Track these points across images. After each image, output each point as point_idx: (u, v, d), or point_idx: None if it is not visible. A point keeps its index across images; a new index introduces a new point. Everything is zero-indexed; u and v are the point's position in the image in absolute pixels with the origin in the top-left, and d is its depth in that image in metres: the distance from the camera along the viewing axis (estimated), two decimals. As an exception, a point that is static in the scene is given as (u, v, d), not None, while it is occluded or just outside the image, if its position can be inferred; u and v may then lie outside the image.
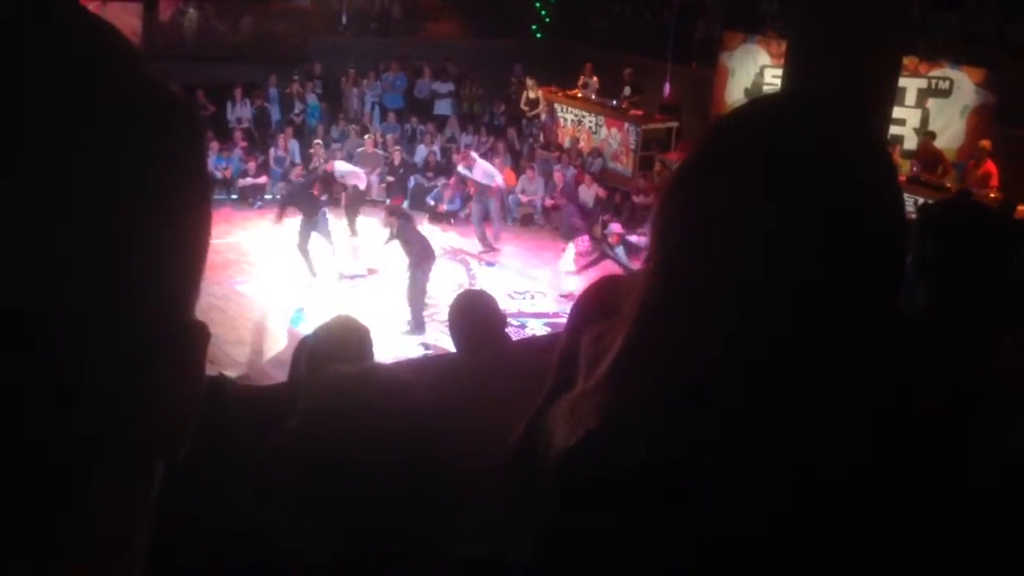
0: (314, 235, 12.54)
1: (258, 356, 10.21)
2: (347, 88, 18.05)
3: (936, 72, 14.25)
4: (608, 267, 12.20)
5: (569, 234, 13.23)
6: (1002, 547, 1.10)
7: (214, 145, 14.77)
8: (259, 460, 2.30)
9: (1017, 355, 1.75)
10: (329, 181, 14.40)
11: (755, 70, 16.20)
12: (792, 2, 9.28)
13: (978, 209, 2.74)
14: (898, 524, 0.90)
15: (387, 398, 1.55)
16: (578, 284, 12.14)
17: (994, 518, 1.13)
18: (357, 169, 14.58)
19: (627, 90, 17.25)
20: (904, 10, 8.40)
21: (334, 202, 14.79)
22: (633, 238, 12.46)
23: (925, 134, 14.09)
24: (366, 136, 16.29)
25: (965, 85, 14.08)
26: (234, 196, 15.41)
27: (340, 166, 14.51)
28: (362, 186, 14.53)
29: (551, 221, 15.27)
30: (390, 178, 15.99)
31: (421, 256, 11.18)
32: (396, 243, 11.46)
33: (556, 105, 17.70)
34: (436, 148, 16.74)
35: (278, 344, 10.24)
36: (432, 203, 15.51)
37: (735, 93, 16.18)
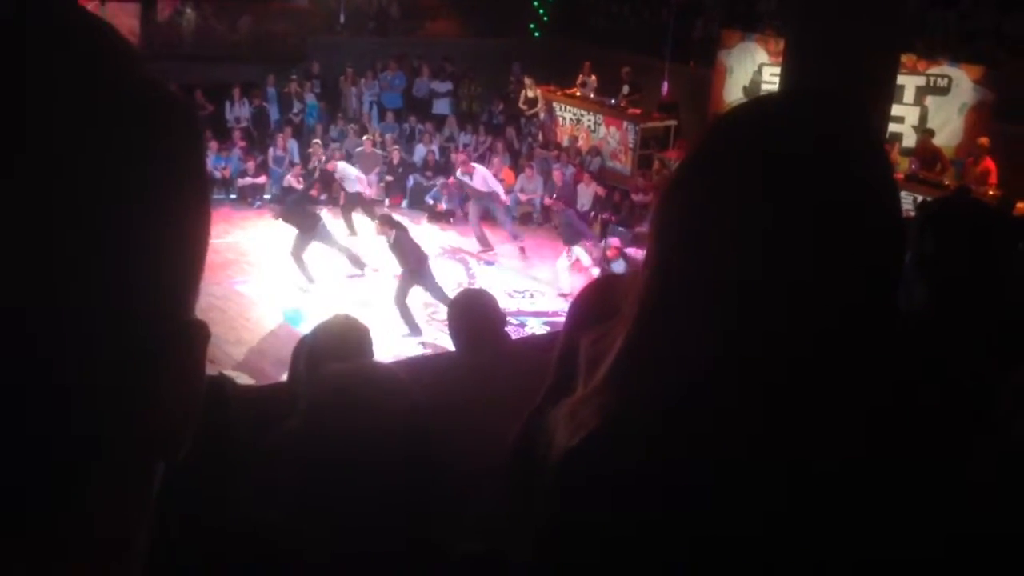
0: (315, 244, 12.45)
1: (258, 356, 10.21)
2: (345, 87, 18.04)
3: (934, 70, 14.24)
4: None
5: (571, 239, 13.19)
6: (1002, 545, 1.10)
7: (213, 145, 14.76)
8: (259, 460, 2.30)
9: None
10: (328, 180, 14.37)
11: (753, 68, 16.19)
12: (790, 0, 9.28)
13: (977, 206, 2.74)
14: (898, 523, 0.90)
15: (386, 397, 1.55)
16: (577, 284, 12.15)
17: (994, 516, 1.13)
18: (359, 174, 14.51)
19: (625, 88, 17.25)
20: (902, 8, 8.40)
21: (332, 201, 14.80)
22: (631, 251, 12.46)
23: (924, 132, 14.09)
24: (364, 136, 16.29)
25: (963, 82, 14.08)
26: (233, 196, 15.41)
27: (342, 167, 14.47)
28: (363, 190, 14.47)
29: (550, 220, 15.27)
30: (389, 177, 15.99)
31: (415, 264, 11.12)
32: (392, 250, 11.40)
33: (555, 104, 17.69)
34: (435, 147, 16.73)
35: (278, 344, 10.23)
36: (431, 202, 15.51)
37: (733, 91, 16.18)
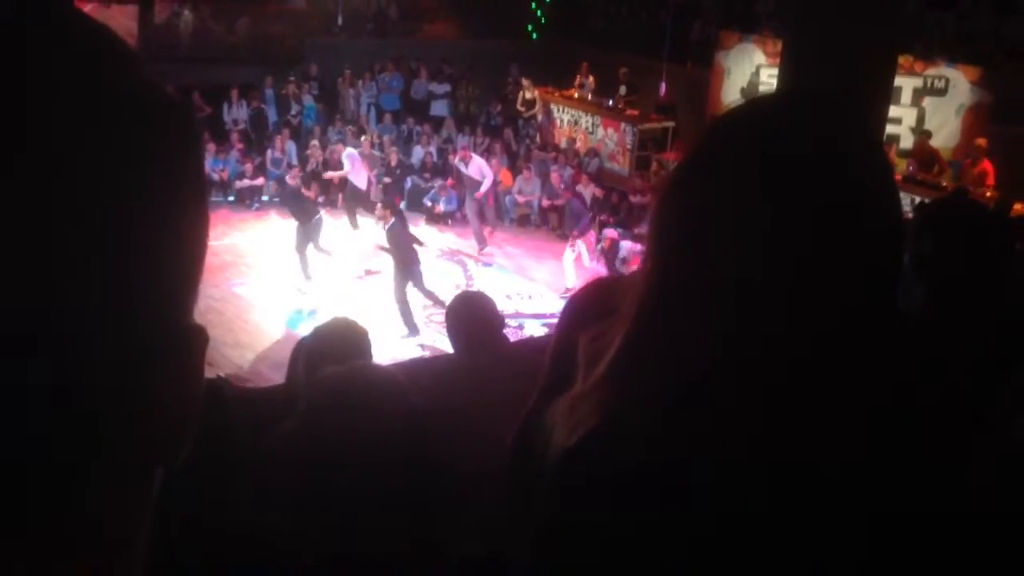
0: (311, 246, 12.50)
1: (256, 358, 10.20)
2: (343, 89, 18.04)
3: (932, 71, 14.26)
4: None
5: (575, 226, 13.27)
6: (1001, 546, 1.10)
7: (210, 147, 14.75)
8: (257, 461, 2.30)
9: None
10: (326, 178, 14.36)
11: (751, 69, 16.21)
12: (788, 1, 9.29)
13: (974, 208, 2.75)
14: (897, 523, 0.90)
15: (384, 399, 1.55)
16: (580, 280, 12.19)
17: (993, 517, 1.13)
18: (361, 163, 14.55)
19: (622, 89, 17.26)
20: (900, 9, 8.41)
21: (330, 203, 14.79)
22: (627, 243, 12.49)
23: (921, 133, 14.11)
24: (363, 137, 16.29)
25: (961, 84, 14.10)
26: (231, 198, 15.40)
27: (350, 152, 14.50)
28: (362, 185, 14.51)
29: (548, 222, 15.28)
30: (387, 179, 15.99)
31: (407, 260, 11.17)
32: (384, 243, 11.44)
33: (552, 105, 17.70)
34: (433, 149, 16.73)
35: (276, 346, 10.23)
36: (429, 204, 15.51)
37: (731, 93, 16.19)
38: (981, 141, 13.23)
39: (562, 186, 14.87)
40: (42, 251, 0.37)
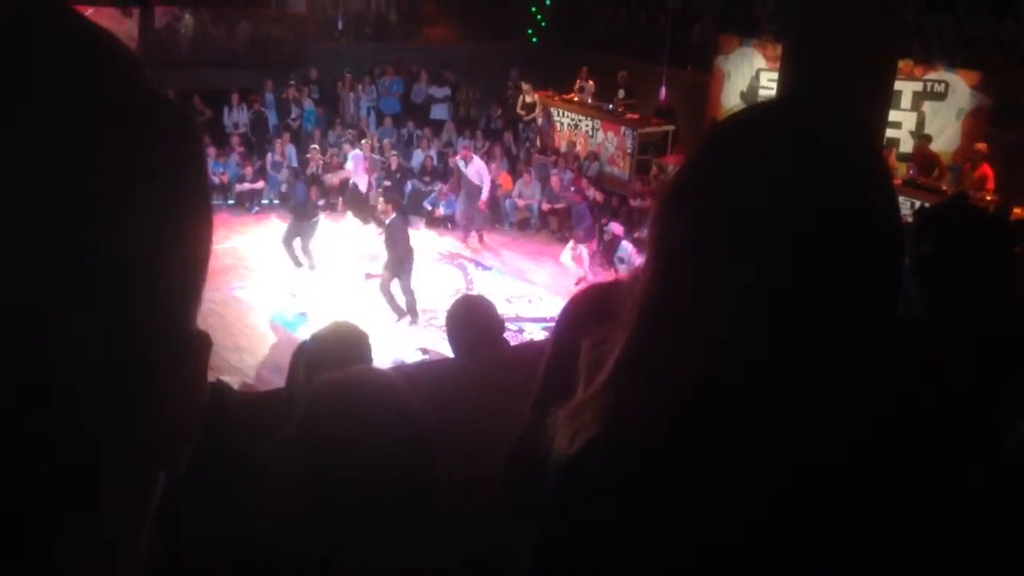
0: (306, 237, 12.58)
1: (256, 361, 10.20)
2: (343, 93, 18.06)
3: (931, 75, 14.27)
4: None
5: (584, 230, 13.31)
6: (1003, 548, 1.10)
7: (211, 151, 14.77)
8: (256, 467, 2.30)
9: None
10: (318, 180, 14.43)
11: (751, 73, 16.21)
12: (788, 6, 9.30)
13: (974, 212, 2.75)
14: (900, 527, 0.90)
15: (383, 404, 1.54)
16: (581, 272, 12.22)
17: (996, 520, 1.13)
18: (363, 164, 14.66)
19: (621, 93, 17.26)
20: (899, 13, 8.42)
21: (330, 207, 14.80)
22: (628, 244, 12.50)
23: (921, 137, 14.10)
24: (363, 141, 16.30)
25: (960, 88, 14.10)
26: (231, 201, 15.43)
27: (356, 153, 14.64)
28: (362, 187, 14.57)
29: (548, 225, 15.29)
30: (387, 183, 16.00)
31: (402, 256, 11.19)
32: (381, 241, 11.48)
33: (552, 109, 17.72)
34: (433, 153, 16.75)
35: (276, 349, 10.23)
36: (429, 208, 15.52)
37: (731, 97, 16.20)
38: (981, 145, 13.23)
39: (572, 189, 14.90)
40: (44, 257, 0.37)
